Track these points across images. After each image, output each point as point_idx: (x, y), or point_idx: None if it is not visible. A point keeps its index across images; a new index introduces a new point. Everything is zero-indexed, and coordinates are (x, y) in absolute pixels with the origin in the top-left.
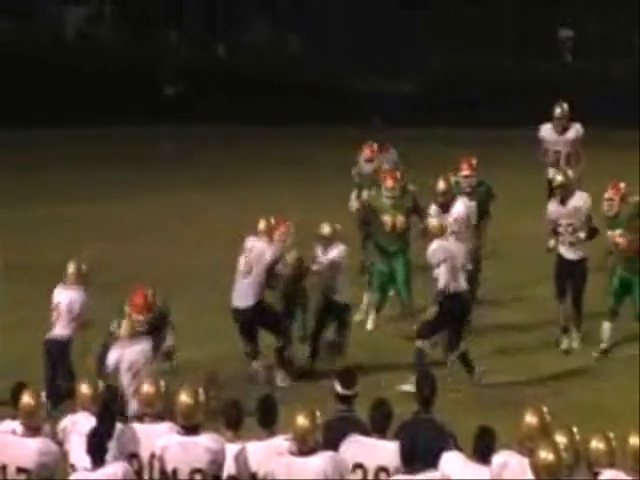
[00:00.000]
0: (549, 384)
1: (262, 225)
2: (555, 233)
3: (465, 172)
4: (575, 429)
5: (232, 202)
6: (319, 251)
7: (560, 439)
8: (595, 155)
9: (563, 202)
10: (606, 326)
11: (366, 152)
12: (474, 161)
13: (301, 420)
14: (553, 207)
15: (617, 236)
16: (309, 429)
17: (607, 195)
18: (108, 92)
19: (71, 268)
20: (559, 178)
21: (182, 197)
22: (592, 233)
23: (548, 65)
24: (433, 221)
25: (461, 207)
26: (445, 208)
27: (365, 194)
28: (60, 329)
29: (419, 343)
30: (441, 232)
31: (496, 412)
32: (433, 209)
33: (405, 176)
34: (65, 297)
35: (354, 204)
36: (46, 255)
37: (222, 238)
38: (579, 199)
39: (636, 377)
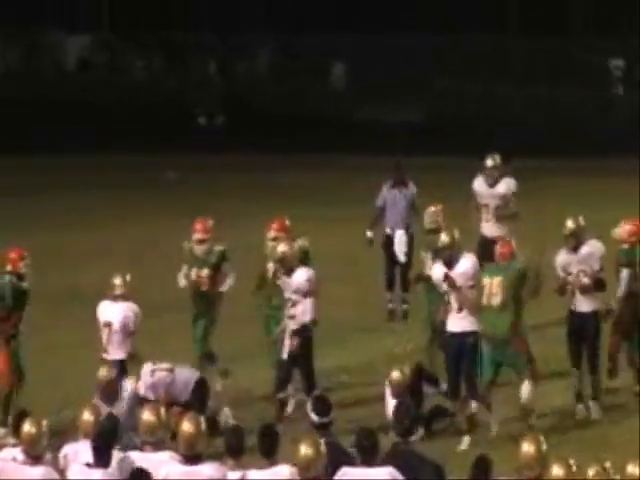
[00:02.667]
0: (548, 416)
1: None
2: (563, 290)
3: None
4: (572, 460)
5: (231, 230)
6: None
7: (557, 471)
8: None
9: (574, 250)
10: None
11: (197, 228)
12: None
13: (305, 449)
14: (563, 256)
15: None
16: (313, 458)
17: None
18: (111, 121)
19: (117, 280)
20: (570, 225)
21: (180, 223)
22: (599, 285)
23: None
24: (281, 248)
25: (468, 263)
26: (449, 263)
27: (193, 272)
28: (115, 349)
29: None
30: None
31: (495, 444)
32: (437, 266)
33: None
34: (117, 314)
35: (182, 281)
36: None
37: None
38: (592, 246)
39: (634, 408)
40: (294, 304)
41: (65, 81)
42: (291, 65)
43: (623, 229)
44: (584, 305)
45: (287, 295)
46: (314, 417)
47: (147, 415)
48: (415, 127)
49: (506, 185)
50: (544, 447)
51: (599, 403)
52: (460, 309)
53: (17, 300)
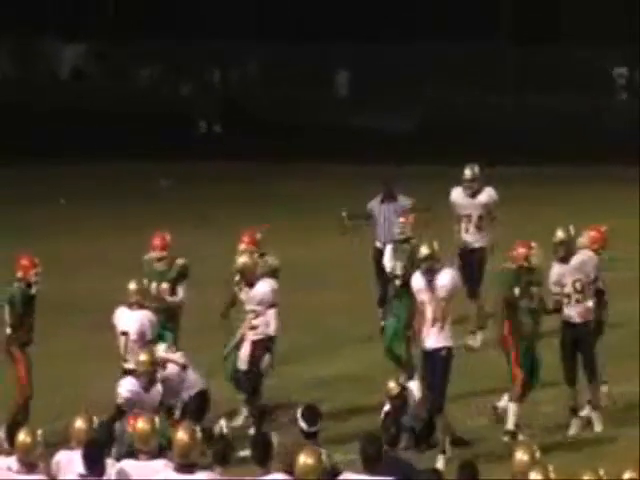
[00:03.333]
0: (542, 424)
1: None
2: (558, 307)
3: None
4: (551, 467)
5: (225, 239)
6: None
7: (535, 477)
8: None
9: (565, 260)
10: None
11: (155, 244)
12: None
13: (304, 458)
14: (556, 268)
15: None
16: (312, 467)
17: None
18: (109, 128)
19: (132, 286)
20: (559, 234)
21: (179, 231)
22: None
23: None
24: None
25: (447, 277)
26: (429, 274)
27: (154, 287)
28: (134, 358)
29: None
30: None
31: (491, 451)
32: (416, 275)
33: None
34: (133, 323)
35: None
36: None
37: (212, 276)
38: (584, 254)
39: (632, 416)
40: (257, 315)
41: (61, 89)
42: (288, 72)
43: (585, 236)
44: (577, 316)
45: (250, 307)
46: (303, 426)
47: (141, 424)
48: (410, 135)
49: (487, 194)
50: (538, 454)
51: (600, 413)
52: (434, 321)
53: (26, 306)
